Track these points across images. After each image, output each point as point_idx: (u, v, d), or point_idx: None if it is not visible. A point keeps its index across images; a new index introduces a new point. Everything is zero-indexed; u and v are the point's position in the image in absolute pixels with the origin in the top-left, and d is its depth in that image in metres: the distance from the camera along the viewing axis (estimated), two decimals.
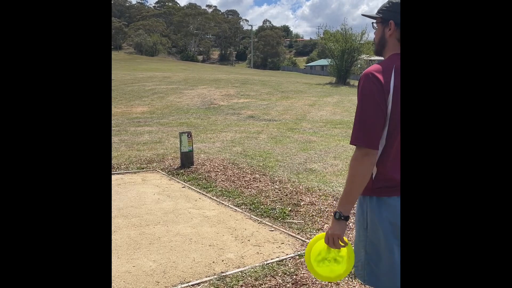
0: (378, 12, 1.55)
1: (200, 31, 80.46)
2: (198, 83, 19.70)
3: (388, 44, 1.52)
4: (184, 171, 5.42)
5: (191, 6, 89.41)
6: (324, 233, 1.52)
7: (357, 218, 1.57)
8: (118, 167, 5.70)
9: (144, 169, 5.64)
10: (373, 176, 1.48)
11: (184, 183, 4.90)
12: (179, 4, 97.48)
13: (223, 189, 4.62)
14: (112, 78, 24.22)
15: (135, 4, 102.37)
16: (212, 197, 4.36)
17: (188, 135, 5.64)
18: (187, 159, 5.65)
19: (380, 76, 1.39)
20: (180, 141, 5.60)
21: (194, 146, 5.85)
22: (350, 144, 1.44)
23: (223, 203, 4.13)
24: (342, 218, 1.45)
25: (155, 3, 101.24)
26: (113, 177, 5.16)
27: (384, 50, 1.54)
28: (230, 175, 5.20)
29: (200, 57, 79.04)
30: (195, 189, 4.66)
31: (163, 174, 5.37)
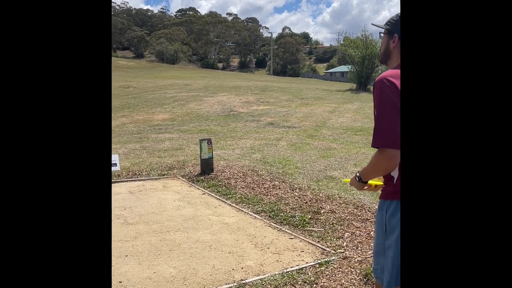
0: (386, 23, 1.63)
1: (220, 39, 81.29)
2: (218, 90, 19.87)
3: (392, 55, 1.61)
4: (204, 178, 5.46)
5: (211, 14, 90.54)
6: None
7: (377, 221, 1.61)
8: (139, 174, 5.78)
9: (165, 176, 5.70)
10: (395, 180, 1.53)
11: (204, 190, 4.93)
12: (200, 12, 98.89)
13: (243, 196, 4.63)
14: (134, 86, 24.75)
15: (157, 13, 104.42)
16: (231, 204, 4.37)
17: (208, 142, 5.68)
18: (207, 166, 5.69)
19: (395, 81, 1.43)
20: (200, 148, 5.65)
21: (214, 153, 5.89)
22: (373, 147, 1.46)
23: (242, 210, 4.13)
24: (361, 181, 1.64)
25: (176, 12, 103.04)
26: (135, 184, 5.24)
27: (389, 60, 1.64)
28: (250, 182, 5.20)
29: (220, 65, 79.77)
30: (215, 196, 4.68)
31: (184, 181, 5.42)
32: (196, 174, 5.67)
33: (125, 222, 3.71)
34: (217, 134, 9.67)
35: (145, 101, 17.08)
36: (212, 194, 4.74)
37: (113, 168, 5.95)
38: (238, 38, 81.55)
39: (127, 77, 37.92)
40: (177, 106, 15.35)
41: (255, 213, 4.06)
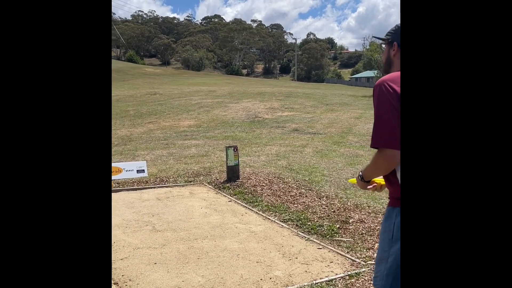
0: (386, 35, 1.72)
1: (244, 45, 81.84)
2: (242, 96, 19.97)
3: (394, 64, 1.69)
4: (230, 184, 5.46)
5: (236, 21, 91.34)
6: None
7: (383, 228, 1.59)
8: (167, 180, 5.84)
9: (192, 183, 5.74)
10: (400, 181, 1.53)
11: (230, 197, 4.93)
12: (224, 20, 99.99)
13: (269, 204, 4.60)
14: (161, 92, 25.18)
15: (183, 21, 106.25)
16: (258, 212, 4.35)
17: (234, 149, 5.69)
18: (233, 173, 5.69)
19: (393, 85, 1.47)
20: (227, 155, 5.66)
21: (239, 159, 5.89)
22: (372, 147, 1.50)
23: (269, 218, 4.10)
24: (363, 180, 1.68)
25: (201, 20, 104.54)
26: (162, 190, 5.30)
27: (391, 69, 1.69)
28: (276, 190, 5.17)
29: (244, 71, 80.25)
30: (241, 203, 4.67)
31: (210, 188, 5.44)
32: (222, 181, 5.69)
33: (154, 229, 3.74)
34: (242, 141, 9.69)
35: (171, 107, 17.34)
36: (239, 202, 4.73)
37: (141, 175, 6.05)
38: (263, 45, 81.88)
39: (154, 84, 38.62)
40: (202, 113, 15.51)
41: (282, 221, 4.02)
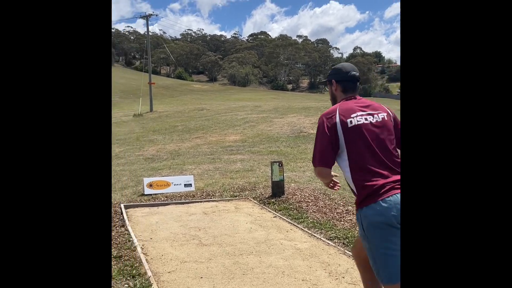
0: (326, 77, 2.23)
1: (290, 61, 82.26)
2: (287, 111, 19.98)
3: (337, 97, 2.15)
4: (275, 200, 5.45)
5: (282, 37, 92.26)
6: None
7: (360, 233, 1.93)
8: (213, 195, 5.93)
9: (237, 197, 5.78)
10: (355, 191, 1.91)
11: (275, 213, 4.91)
12: (270, 36, 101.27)
13: (315, 221, 4.53)
14: (208, 108, 25.80)
15: (230, 38, 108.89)
16: (303, 228, 4.29)
17: (279, 165, 5.69)
18: (278, 188, 5.68)
19: (330, 116, 1.96)
20: (272, 170, 5.66)
21: (284, 175, 5.87)
22: (313, 165, 2.01)
23: (315, 236, 4.03)
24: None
25: (248, 37, 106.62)
26: (208, 204, 5.38)
27: (336, 101, 2.13)
28: (322, 206, 5.08)
29: (289, 86, 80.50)
30: (286, 219, 4.63)
31: (255, 203, 5.45)
32: (267, 196, 5.68)
33: (200, 243, 3.80)
34: (287, 156, 9.67)
35: (217, 122, 17.69)
36: (284, 218, 4.70)
37: (188, 189, 6.19)
38: (308, 60, 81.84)
39: (201, 100, 39.64)
40: (248, 128, 15.68)
41: (328, 239, 3.94)
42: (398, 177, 1.82)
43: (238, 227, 4.33)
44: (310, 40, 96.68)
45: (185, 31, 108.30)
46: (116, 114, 28.11)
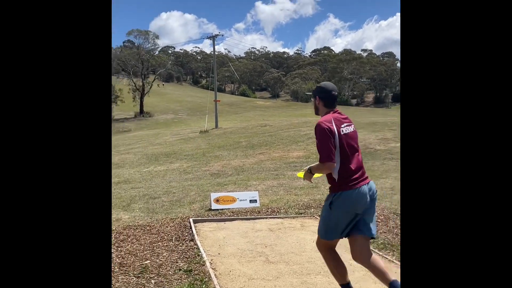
0: (312, 92, 2.86)
1: (354, 75, 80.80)
2: None
3: (319, 109, 2.80)
4: None
5: (346, 52, 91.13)
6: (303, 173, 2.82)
7: (324, 205, 2.72)
8: (278, 211, 5.92)
9: (302, 215, 5.71)
10: (336, 179, 2.60)
11: None
12: (334, 51, 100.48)
13: (385, 242, 4.32)
14: (271, 124, 26.03)
15: (292, 55, 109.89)
16: (373, 249, 4.10)
17: None
18: None
19: (327, 123, 2.58)
20: None
21: None
22: (320, 162, 2.57)
23: (386, 257, 3.84)
24: (310, 172, 2.72)
25: (311, 52, 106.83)
26: (274, 221, 5.37)
27: (318, 111, 2.81)
28: (392, 227, 4.85)
29: (353, 101, 78.87)
30: None
31: None
32: None
33: (267, 260, 3.79)
34: None
35: (280, 138, 17.76)
36: None
37: (253, 204, 6.24)
38: (373, 74, 79.83)
39: (264, 116, 40.13)
40: (311, 144, 15.54)
41: (399, 261, 3.72)
42: (364, 172, 2.67)
43: (304, 245, 4.26)
44: (375, 54, 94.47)
45: (249, 49, 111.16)
46: (184, 130, 29.37)
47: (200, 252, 3.98)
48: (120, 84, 52.65)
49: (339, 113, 2.70)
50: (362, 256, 2.73)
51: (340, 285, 2.81)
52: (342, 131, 2.59)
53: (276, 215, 5.73)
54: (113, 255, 3.97)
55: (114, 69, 68.08)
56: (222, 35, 59.20)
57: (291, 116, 35.30)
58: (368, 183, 2.63)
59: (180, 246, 4.25)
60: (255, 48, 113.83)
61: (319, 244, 2.82)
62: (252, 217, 5.62)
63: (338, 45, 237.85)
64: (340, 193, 2.56)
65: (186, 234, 4.71)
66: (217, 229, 4.99)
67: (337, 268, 2.80)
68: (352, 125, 2.71)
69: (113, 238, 4.57)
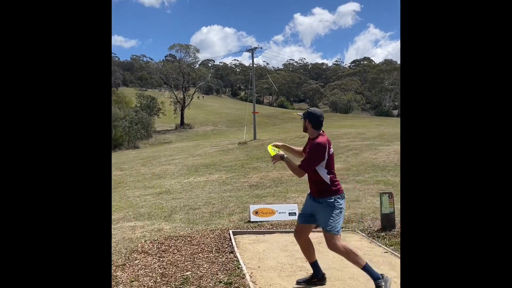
0: (303, 114, 3.46)
1: (395, 86, 78.89)
2: (394, 138, 18.99)
3: (308, 129, 3.40)
4: (386, 234, 5.12)
5: (386, 62, 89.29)
6: (274, 150, 3.52)
7: (334, 205, 3.37)
8: (317, 225, 5.81)
9: (344, 229, 5.57)
10: (328, 184, 3.36)
11: (386, 248, 4.60)
12: (374, 61, 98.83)
13: None
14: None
15: (331, 66, 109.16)
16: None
17: (389, 196, 5.37)
18: (388, 222, 5.34)
19: (325, 145, 3.28)
20: (381, 202, 5.37)
21: (395, 207, 5.51)
22: (300, 166, 3.30)
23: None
24: (282, 159, 3.37)
25: (350, 63, 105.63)
26: (314, 235, 5.27)
27: (307, 131, 3.43)
28: None
29: (395, 112, 76.89)
30: (399, 255, 4.30)
31: (363, 236, 5.19)
32: (376, 229, 5.38)
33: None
34: (395, 186, 9.10)
35: None
36: (396, 254, 4.38)
37: (292, 217, 6.17)
38: None
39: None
40: (351, 156, 15.25)
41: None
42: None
43: (346, 261, 4.14)
44: None
45: (287, 61, 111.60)
46: (223, 142, 29.75)
47: (240, 264, 3.98)
48: (162, 97, 54.33)
49: (325, 135, 3.41)
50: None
51: (363, 268, 3.31)
52: (330, 151, 3.35)
53: (315, 228, 5.63)
54: (155, 265, 4.05)
55: (156, 83, 70.35)
56: (261, 48, 59.80)
57: (330, 128, 34.89)
58: None
59: (220, 258, 4.26)
60: (293, 60, 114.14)
61: (338, 241, 3.33)
62: (291, 230, 5.55)
63: (378, 56, 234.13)
64: (342, 194, 3.39)
65: (226, 246, 4.73)
66: (256, 241, 4.97)
67: (357, 253, 3.37)
68: (332, 147, 3.46)
69: (155, 248, 4.67)
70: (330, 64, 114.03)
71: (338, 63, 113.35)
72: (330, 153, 3.32)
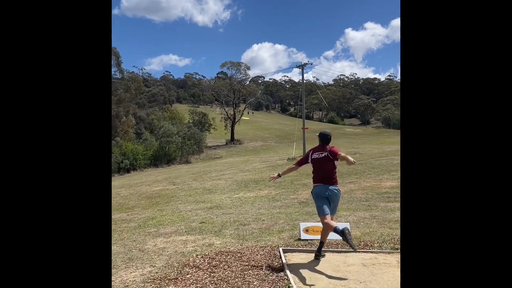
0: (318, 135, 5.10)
1: None
2: None
3: (319, 142, 5.15)
4: None
5: None
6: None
7: (338, 194, 5.00)
8: (371, 245, 5.61)
9: (398, 250, 5.33)
10: (313, 180, 5.05)
11: None
12: None
13: None
14: (361, 152, 25.22)
15: (383, 81, 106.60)
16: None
17: None
18: None
19: (310, 151, 5.15)
20: None
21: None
22: (294, 164, 5.41)
23: None
24: (279, 176, 5.55)
25: None
26: (367, 256, 5.10)
27: (319, 143, 4.99)
28: None
29: None
30: None
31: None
32: None
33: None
34: None
35: (371, 167, 17.05)
36: None
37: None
38: None
39: (354, 144, 39.10)
40: None
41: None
42: (324, 179, 4.88)
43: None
44: None
45: (338, 77, 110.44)
46: (272, 157, 29.82)
47: (290, 283, 3.91)
48: (213, 113, 55.73)
49: (320, 147, 4.98)
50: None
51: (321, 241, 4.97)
52: (313, 156, 4.96)
53: (369, 249, 5.43)
54: (206, 281, 4.09)
55: (208, 99, 72.33)
56: (311, 64, 59.83)
57: (383, 144, 33.84)
58: (325, 184, 4.87)
59: (271, 275, 4.23)
60: (344, 75, 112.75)
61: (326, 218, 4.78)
62: (343, 250, 5.40)
63: None
64: (314, 188, 5.06)
65: (276, 263, 4.68)
66: (307, 260, 4.88)
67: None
68: (323, 153, 4.90)
69: (206, 263, 4.72)
70: (382, 79, 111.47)
71: (391, 77, 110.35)
72: (313, 157, 4.95)
